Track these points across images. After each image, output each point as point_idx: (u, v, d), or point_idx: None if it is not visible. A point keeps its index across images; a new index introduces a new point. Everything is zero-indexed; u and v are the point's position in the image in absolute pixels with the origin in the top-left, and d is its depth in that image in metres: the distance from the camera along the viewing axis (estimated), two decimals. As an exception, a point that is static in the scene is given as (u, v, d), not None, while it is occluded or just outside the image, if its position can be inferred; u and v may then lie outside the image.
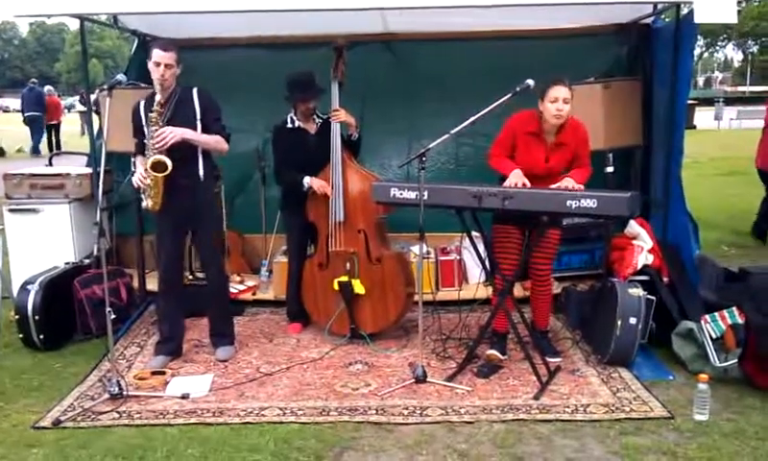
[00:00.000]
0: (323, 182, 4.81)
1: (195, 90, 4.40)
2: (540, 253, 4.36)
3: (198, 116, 4.35)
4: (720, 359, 4.10)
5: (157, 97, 4.21)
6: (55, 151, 16.44)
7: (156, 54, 4.20)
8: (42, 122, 18.37)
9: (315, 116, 4.97)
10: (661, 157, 5.20)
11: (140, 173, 4.26)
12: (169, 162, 4.14)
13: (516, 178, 4.09)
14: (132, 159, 5.21)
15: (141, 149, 4.37)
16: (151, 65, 4.23)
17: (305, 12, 4.62)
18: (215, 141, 4.39)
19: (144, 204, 4.30)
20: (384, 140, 6.21)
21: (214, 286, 4.70)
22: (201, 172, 4.41)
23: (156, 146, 4.16)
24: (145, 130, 4.29)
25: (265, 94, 5.37)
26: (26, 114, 18.34)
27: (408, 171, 5.82)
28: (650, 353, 4.45)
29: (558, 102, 4.06)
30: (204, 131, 4.35)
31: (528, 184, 4.06)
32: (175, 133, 4.18)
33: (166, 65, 4.20)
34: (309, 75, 4.87)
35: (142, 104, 4.36)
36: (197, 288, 5.32)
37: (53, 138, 18.54)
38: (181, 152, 4.25)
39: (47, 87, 20.28)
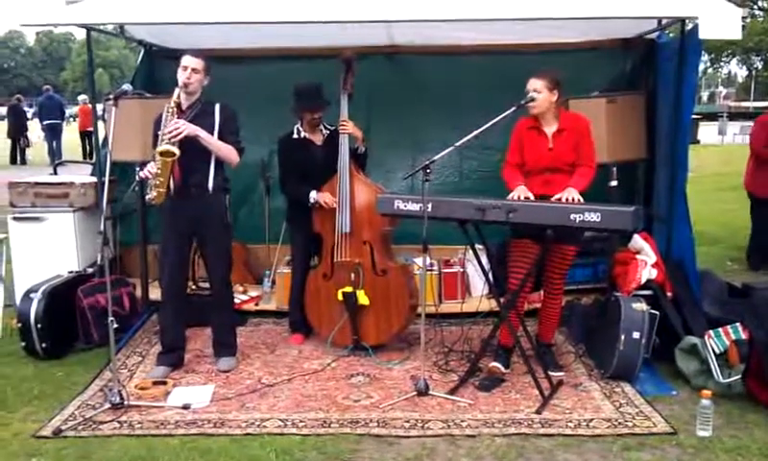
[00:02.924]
0: (328, 196, 4.82)
1: (218, 105, 4.44)
2: (555, 268, 4.38)
3: (216, 128, 4.37)
4: (723, 375, 4.08)
5: (175, 95, 4.24)
6: (88, 158, 16.74)
7: (186, 59, 4.30)
8: (61, 129, 18.54)
9: (322, 127, 4.98)
10: (665, 172, 5.20)
11: (150, 166, 4.24)
12: (177, 150, 4.13)
13: (519, 191, 4.11)
14: (137, 169, 5.24)
15: None
16: (179, 70, 4.30)
17: (311, 24, 4.63)
18: (227, 149, 4.39)
19: (148, 196, 4.28)
20: (388, 152, 6.21)
21: (219, 298, 4.69)
22: (211, 183, 4.41)
23: (168, 135, 4.16)
24: None
25: (270, 106, 5.39)
26: (45, 122, 18.49)
27: (412, 183, 5.83)
28: (653, 369, 4.43)
29: (528, 93, 4.17)
30: (220, 140, 4.38)
31: (531, 197, 4.06)
32: (188, 127, 4.19)
33: (193, 69, 4.27)
34: (316, 86, 4.89)
35: (164, 114, 4.37)
36: (199, 298, 5.33)
37: (87, 145, 18.72)
38: (195, 160, 4.27)
39: (81, 96, 20.43)
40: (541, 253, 4.16)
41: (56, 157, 17.67)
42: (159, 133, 4.24)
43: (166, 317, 4.62)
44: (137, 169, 5.21)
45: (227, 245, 4.66)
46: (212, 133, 4.35)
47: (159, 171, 4.18)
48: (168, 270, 4.53)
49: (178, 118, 4.22)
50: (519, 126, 4.34)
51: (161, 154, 4.15)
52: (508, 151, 4.39)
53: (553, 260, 4.33)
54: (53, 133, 18.42)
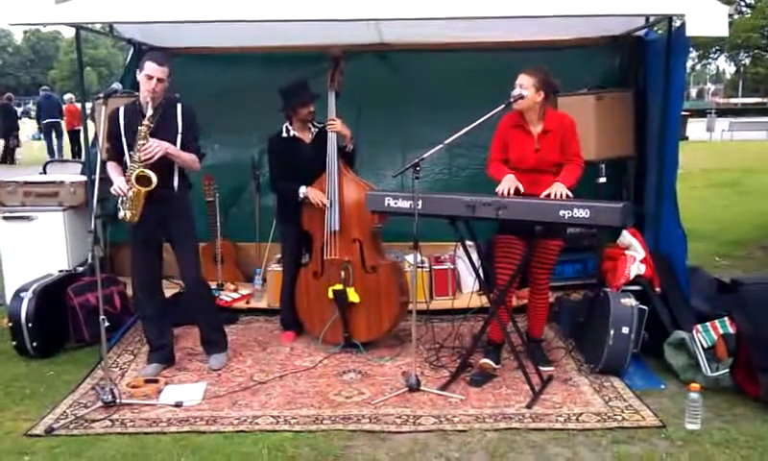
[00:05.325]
0: (319, 193, 4.83)
1: (180, 105, 4.40)
2: (540, 263, 4.39)
3: (180, 131, 4.35)
4: (711, 369, 4.13)
5: (149, 113, 4.15)
6: (76, 157, 16.71)
7: (150, 67, 4.18)
8: (61, 128, 18.59)
9: (311, 125, 4.99)
10: (655, 169, 5.23)
11: (121, 183, 4.20)
12: (154, 177, 4.11)
13: (508, 182, 4.13)
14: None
15: (114, 155, 4.36)
16: (141, 77, 4.21)
17: (300, 22, 4.64)
18: (191, 160, 4.40)
19: (121, 214, 4.23)
20: (378, 150, 6.23)
21: (197, 297, 4.68)
22: (175, 184, 4.41)
23: (143, 159, 4.13)
24: (123, 138, 4.28)
25: (260, 104, 5.39)
26: (44, 121, 18.57)
27: (402, 181, 5.86)
28: (642, 363, 4.47)
29: (516, 88, 4.16)
30: (182, 146, 4.35)
31: (521, 188, 4.09)
32: (161, 147, 4.16)
33: (159, 79, 4.18)
34: (303, 82, 4.91)
35: (122, 111, 4.35)
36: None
37: (75, 145, 18.69)
38: (160, 163, 4.22)
39: (68, 95, 20.42)
40: (528, 248, 4.19)
41: (57, 156, 17.76)
42: (132, 153, 4.19)
43: (148, 316, 4.62)
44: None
45: (195, 242, 4.64)
46: (176, 137, 4.32)
47: (134, 196, 4.15)
48: (141, 269, 4.51)
49: (147, 130, 4.16)
50: (503, 123, 4.34)
51: (138, 180, 4.11)
52: (491, 148, 4.39)
53: (538, 256, 4.35)
54: (52, 132, 18.48)
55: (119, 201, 4.25)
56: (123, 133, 4.29)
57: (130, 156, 4.24)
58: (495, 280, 4.41)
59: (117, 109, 4.37)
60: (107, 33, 5.80)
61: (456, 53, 6.15)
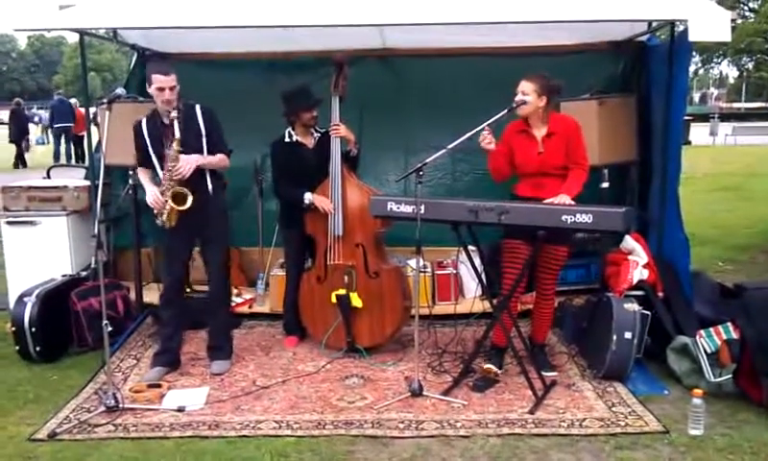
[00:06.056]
0: (324, 200, 4.83)
1: (198, 108, 4.45)
2: (546, 269, 4.40)
3: (203, 134, 4.42)
4: (715, 374, 4.12)
5: (177, 134, 4.19)
6: (80, 162, 16.77)
7: (159, 80, 4.22)
8: (71, 133, 18.79)
9: (313, 130, 5.00)
10: (658, 173, 5.23)
11: (155, 195, 4.30)
12: (190, 197, 4.23)
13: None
14: (131, 172, 5.25)
15: (143, 162, 4.46)
16: (153, 91, 4.26)
17: (303, 27, 4.65)
18: (219, 160, 4.49)
19: (159, 221, 4.34)
20: (380, 155, 6.24)
21: (216, 299, 4.72)
22: (210, 186, 4.48)
23: (175, 178, 4.23)
24: (150, 150, 4.37)
25: (263, 109, 5.40)
26: (56, 125, 18.84)
27: (405, 185, 5.86)
28: (645, 368, 4.46)
29: (518, 95, 4.18)
30: (209, 149, 4.43)
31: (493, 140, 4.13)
32: (191, 164, 4.26)
33: (170, 88, 4.24)
34: (305, 86, 4.92)
35: (144, 123, 4.41)
36: (194, 301, 5.33)
37: (78, 149, 18.79)
38: (191, 174, 4.31)
39: (72, 100, 20.60)
40: (532, 254, 4.19)
41: (69, 160, 17.87)
42: (163, 172, 4.29)
43: (165, 315, 4.64)
44: (131, 173, 5.25)
45: (226, 244, 4.75)
46: (200, 141, 4.40)
47: (169, 210, 4.26)
48: (171, 272, 4.57)
49: (177, 153, 4.22)
50: (509, 129, 4.36)
51: (174, 199, 4.22)
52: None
53: (545, 261, 4.36)
54: (64, 137, 18.73)
55: (156, 211, 4.34)
56: (150, 144, 4.38)
57: (140, 145, 4.35)
58: (502, 285, 4.41)
59: (140, 123, 4.43)
60: (110, 38, 5.81)
61: (459, 58, 6.15)
